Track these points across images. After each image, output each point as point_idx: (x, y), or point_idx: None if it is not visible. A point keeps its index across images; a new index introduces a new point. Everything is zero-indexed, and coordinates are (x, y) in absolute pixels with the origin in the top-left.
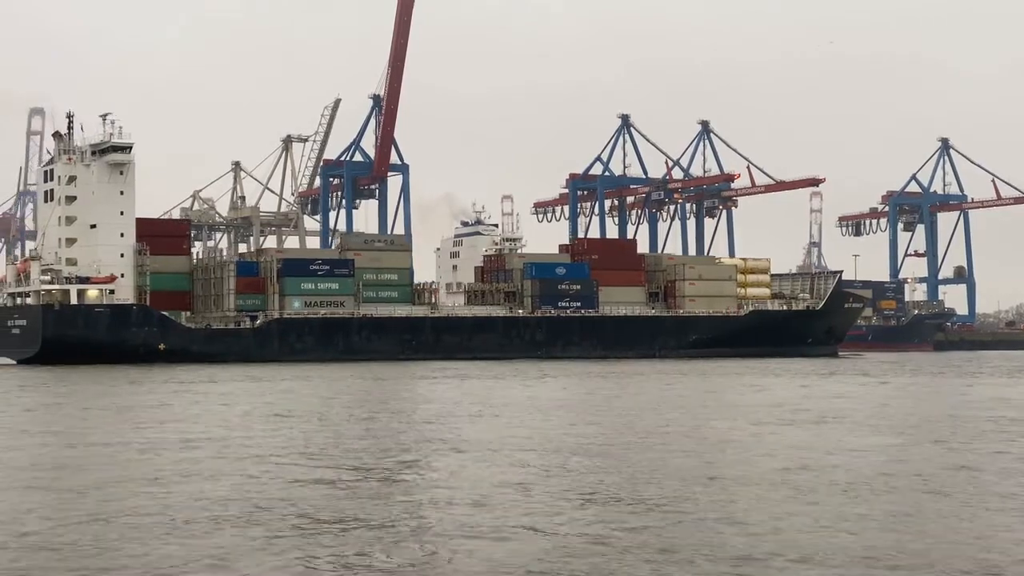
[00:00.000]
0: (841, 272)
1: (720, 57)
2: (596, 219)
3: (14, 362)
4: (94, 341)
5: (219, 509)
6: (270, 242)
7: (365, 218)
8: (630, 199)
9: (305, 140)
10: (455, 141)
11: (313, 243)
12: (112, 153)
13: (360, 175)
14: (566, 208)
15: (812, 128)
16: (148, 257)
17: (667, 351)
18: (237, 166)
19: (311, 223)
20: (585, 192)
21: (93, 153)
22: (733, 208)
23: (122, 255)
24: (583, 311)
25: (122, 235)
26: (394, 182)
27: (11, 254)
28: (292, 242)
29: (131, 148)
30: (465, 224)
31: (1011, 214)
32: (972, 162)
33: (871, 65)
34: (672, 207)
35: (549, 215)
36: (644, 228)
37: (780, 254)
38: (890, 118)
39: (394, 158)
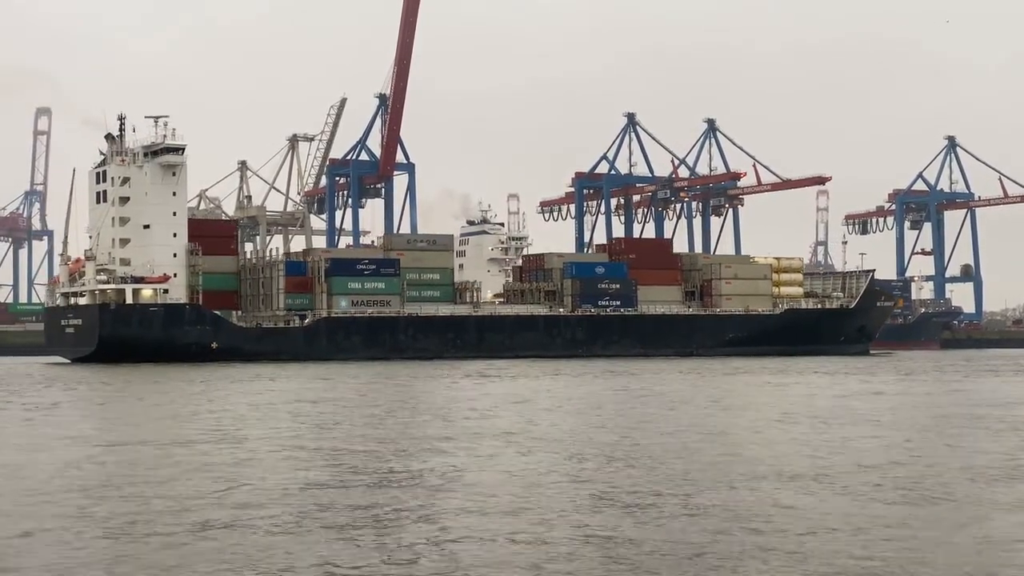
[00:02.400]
0: (874, 271)
1: (724, 55)
2: (602, 218)
3: (68, 360)
4: (149, 340)
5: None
6: (276, 242)
7: (371, 217)
8: (636, 198)
9: (311, 139)
10: (460, 140)
11: (319, 242)
12: (165, 154)
13: (366, 174)
14: (572, 207)
15: (818, 126)
16: (201, 257)
17: (704, 349)
18: (243, 165)
19: (317, 222)
20: (591, 191)
21: (146, 155)
22: (739, 207)
23: (175, 255)
24: (622, 310)
25: (175, 235)
26: (400, 181)
27: (64, 254)
28: (299, 242)
29: (184, 150)
30: (471, 223)
31: (1018, 212)
32: (979, 160)
33: (876, 61)
34: (678, 206)
35: (555, 214)
36: (650, 227)
37: (787, 253)
38: (896, 116)
39: (400, 157)
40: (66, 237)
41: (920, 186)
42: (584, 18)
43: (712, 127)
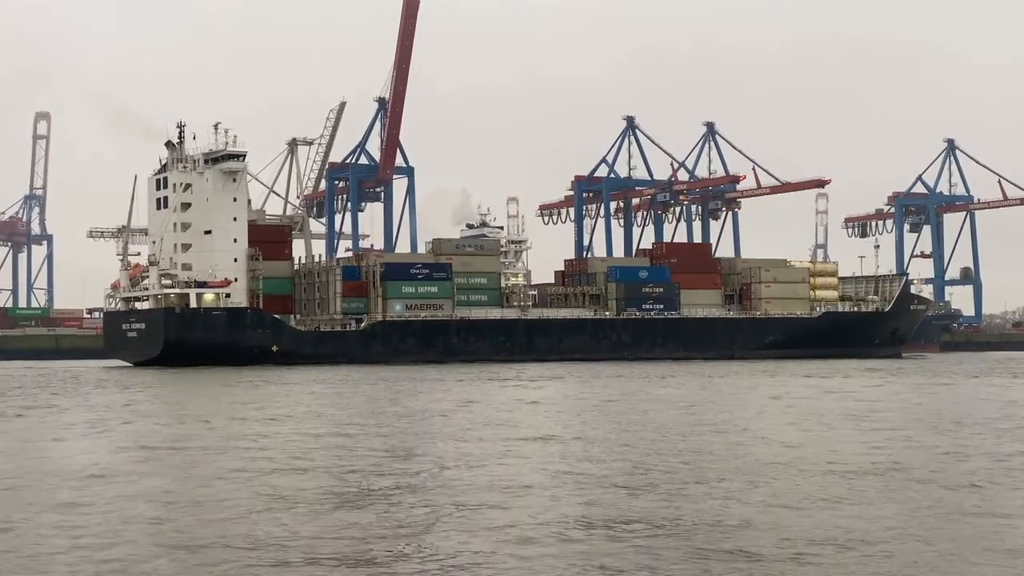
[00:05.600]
0: (907, 274)
1: (723, 58)
2: (602, 221)
3: (130, 364)
4: (212, 343)
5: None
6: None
7: (371, 221)
8: (635, 201)
9: (310, 143)
10: (460, 143)
11: (319, 247)
12: (226, 161)
13: (365, 178)
14: (571, 210)
15: (817, 129)
16: (262, 262)
17: (745, 352)
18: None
19: (316, 226)
20: (590, 194)
21: (206, 161)
22: (736, 210)
23: (235, 260)
24: (666, 313)
25: (235, 240)
26: (399, 185)
27: (124, 259)
28: (298, 246)
29: (244, 156)
30: (470, 227)
31: (1017, 215)
32: (978, 163)
33: (875, 64)
34: (678, 209)
35: (555, 217)
36: (649, 230)
37: (785, 256)
38: (896, 118)
39: (399, 161)
40: (127, 242)
41: (919, 189)
42: (583, 21)
43: (711, 130)
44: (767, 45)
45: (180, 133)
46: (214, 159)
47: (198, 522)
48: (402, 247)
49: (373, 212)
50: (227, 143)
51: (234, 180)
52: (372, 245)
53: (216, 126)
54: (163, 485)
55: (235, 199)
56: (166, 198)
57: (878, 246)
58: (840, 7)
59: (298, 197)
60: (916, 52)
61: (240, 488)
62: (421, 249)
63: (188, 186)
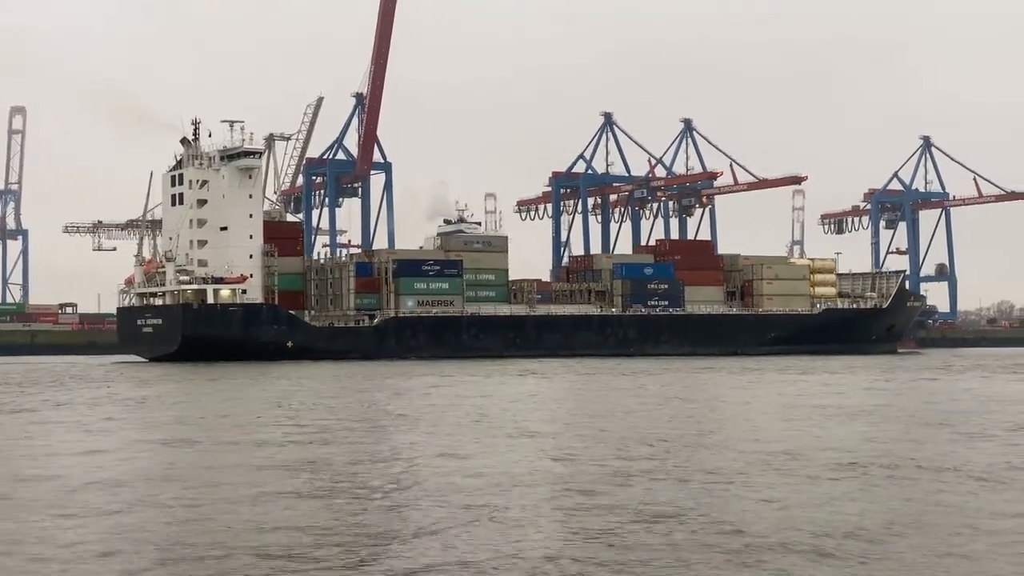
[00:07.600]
0: (905, 272)
1: (701, 54)
2: (579, 217)
3: (145, 360)
4: (228, 339)
5: None
6: None
7: (348, 216)
8: (613, 197)
9: (288, 139)
10: (438, 138)
11: None
12: (243, 158)
13: (343, 173)
14: (549, 207)
15: (794, 126)
16: (276, 259)
17: (748, 348)
18: None
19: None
20: (568, 190)
21: (222, 158)
22: (711, 206)
23: (251, 256)
24: (671, 310)
25: (251, 237)
26: (377, 180)
27: (139, 255)
28: None
29: (261, 154)
30: (448, 223)
31: (992, 212)
32: (954, 160)
33: (852, 61)
34: (655, 205)
35: (532, 214)
36: (627, 227)
37: (761, 251)
38: (872, 115)
39: (377, 156)
40: (141, 239)
41: (895, 186)
42: (561, 16)
43: (689, 127)
44: (744, 43)
45: (195, 130)
46: (230, 156)
47: None
48: (380, 243)
49: (351, 208)
50: (243, 140)
51: (250, 177)
52: (349, 240)
53: (232, 124)
54: None
55: (251, 196)
56: (181, 194)
57: (875, 242)
58: (817, 5)
59: (275, 193)
60: (892, 50)
61: None
62: (399, 245)
63: (204, 183)
